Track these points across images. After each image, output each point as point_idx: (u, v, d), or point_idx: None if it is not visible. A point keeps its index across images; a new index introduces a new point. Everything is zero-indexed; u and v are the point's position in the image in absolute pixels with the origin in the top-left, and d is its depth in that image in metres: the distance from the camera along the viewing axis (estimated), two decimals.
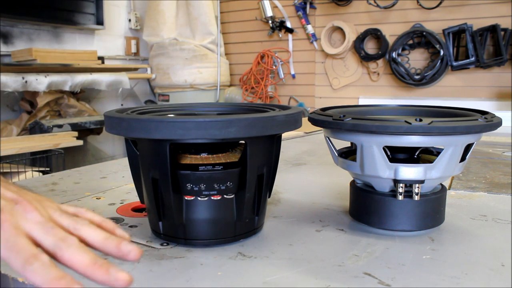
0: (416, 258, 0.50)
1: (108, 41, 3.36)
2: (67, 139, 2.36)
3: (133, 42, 3.53)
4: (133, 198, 0.74)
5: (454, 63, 2.69)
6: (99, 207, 0.69)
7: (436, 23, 2.80)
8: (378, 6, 2.88)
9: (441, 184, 0.61)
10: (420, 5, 2.80)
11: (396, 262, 0.49)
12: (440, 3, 2.71)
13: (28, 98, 2.68)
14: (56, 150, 2.23)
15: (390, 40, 2.94)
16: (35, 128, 2.47)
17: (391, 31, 2.95)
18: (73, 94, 2.87)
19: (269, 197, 0.60)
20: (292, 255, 0.51)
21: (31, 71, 2.43)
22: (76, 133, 2.47)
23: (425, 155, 0.64)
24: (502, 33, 2.57)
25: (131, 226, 0.60)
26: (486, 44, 2.64)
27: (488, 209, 0.69)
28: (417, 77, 2.84)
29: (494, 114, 0.57)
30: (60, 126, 2.52)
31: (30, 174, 2.01)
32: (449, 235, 0.58)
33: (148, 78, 3.48)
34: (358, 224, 0.61)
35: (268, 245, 0.54)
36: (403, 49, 2.91)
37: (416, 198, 0.55)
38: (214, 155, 0.54)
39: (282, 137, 0.65)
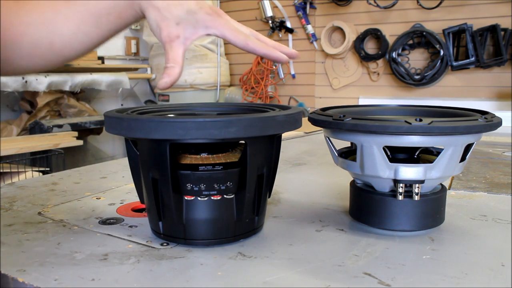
0: (416, 258, 0.50)
1: (108, 41, 3.36)
2: (67, 139, 2.36)
3: (133, 42, 3.53)
4: (133, 198, 0.74)
5: (454, 63, 2.69)
6: (99, 207, 0.69)
7: (436, 23, 2.80)
8: (378, 6, 2.88)
9: (441, 184, 0.61)
10: (420, 5, 2.80)
11: (396, 262, 0.49)
12: (440, 3, 2.71)
13: (28, 98, 2.68)
14: (56, 150, 2.23)
15: (390, 40, 2.94)
16: (35, 128, 2.47)
17: (391, 31, 2.95)
18: (73, 94, 2.87)
19: (269, 197, 0.60)
20: (292, 255, 0.51)
21: None
22: (76, 133, 2.47)
23: (425, 155, 0.64)
24: (502, 33, 2.57)
25: (131, 226, 0.60)
26: (486, 44, 2.64)
27: (488, 209, 0.69)
28: (417, 77, 2.84)
29: (494, 114, 0.57)
30: (60, 126, 2.52)
31: (30, 174, 2.01)
32: (449, 235, 0.58)
33: (148, 78, 3.48)
34: (358, 224, 0.61)
35: (268, 245, 0.54)
36: (403, 49, 2.91)
37: (416, 198, 0.55)
38: (214, 155, 0.54)
39: (282, 137, 0.65)
